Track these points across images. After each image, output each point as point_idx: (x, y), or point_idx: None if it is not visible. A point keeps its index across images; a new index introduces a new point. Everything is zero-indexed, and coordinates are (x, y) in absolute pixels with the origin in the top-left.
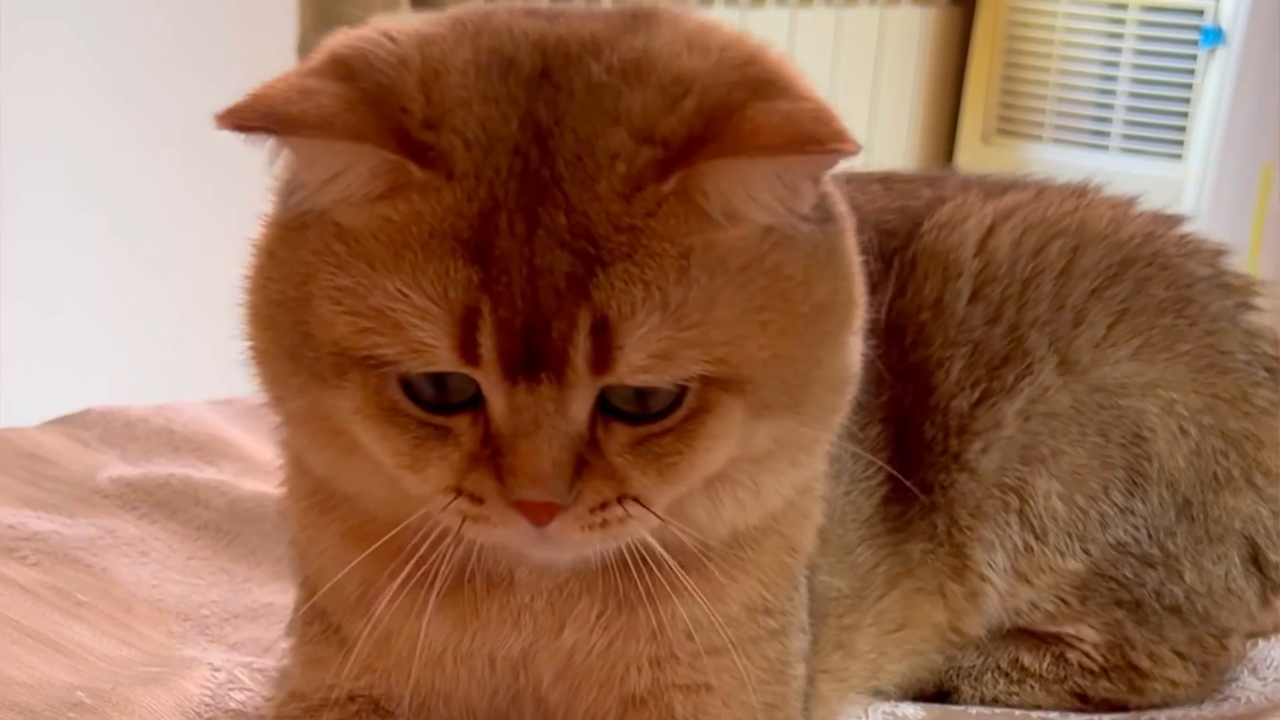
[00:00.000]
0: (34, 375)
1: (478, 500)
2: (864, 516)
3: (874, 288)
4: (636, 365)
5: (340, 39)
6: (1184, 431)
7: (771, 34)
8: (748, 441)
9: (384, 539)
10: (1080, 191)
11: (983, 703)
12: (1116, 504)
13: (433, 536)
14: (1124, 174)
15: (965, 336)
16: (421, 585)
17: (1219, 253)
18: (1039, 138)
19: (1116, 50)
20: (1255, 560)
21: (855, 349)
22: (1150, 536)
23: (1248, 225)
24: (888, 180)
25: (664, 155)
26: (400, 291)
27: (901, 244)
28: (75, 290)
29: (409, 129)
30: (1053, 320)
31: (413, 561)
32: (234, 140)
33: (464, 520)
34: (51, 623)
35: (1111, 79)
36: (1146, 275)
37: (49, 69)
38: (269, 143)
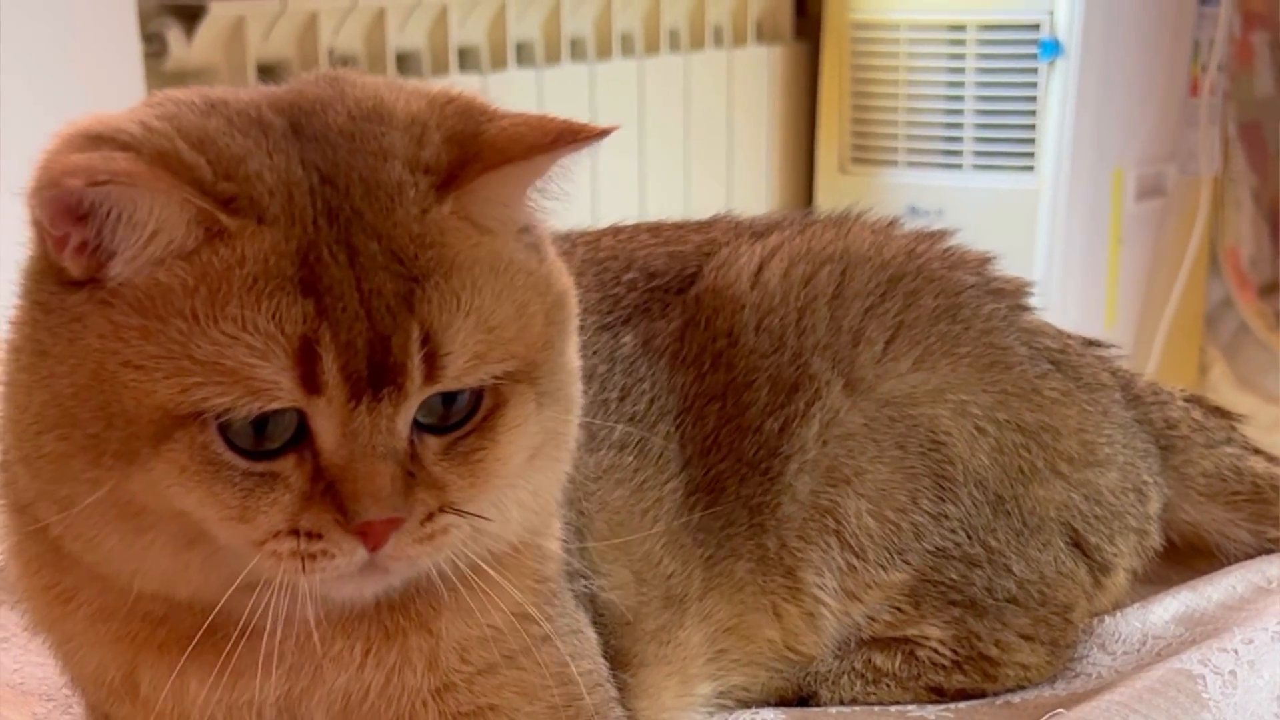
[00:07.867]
0: None
1: (316, 537)
2: (664, 526)
3: (628, 319)
4: (461, 368)
5: (79, 124)
6: (980, 430)
7: (622, 84)
8: (539, 430)
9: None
10: (840, 221)
11: (842, 704)
12: (928, 511)
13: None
14: (978, 190)
15: (760, 363)
16: (180, 648)
17: (985, 261)
18: (894, 163)
19: (960, 70)
20: (1078, 544)
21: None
22: (970, 537)
23: (1105, 228)
24: (655, 229)
25: (438, 181)
26: (230, 337)
27: (673, 284)
28: None
29: (204, 182)
30: (832, 343)
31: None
32: None
33: (301, 561)
34: None
35: (958, 99)
36: (915, 289)
37: None
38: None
